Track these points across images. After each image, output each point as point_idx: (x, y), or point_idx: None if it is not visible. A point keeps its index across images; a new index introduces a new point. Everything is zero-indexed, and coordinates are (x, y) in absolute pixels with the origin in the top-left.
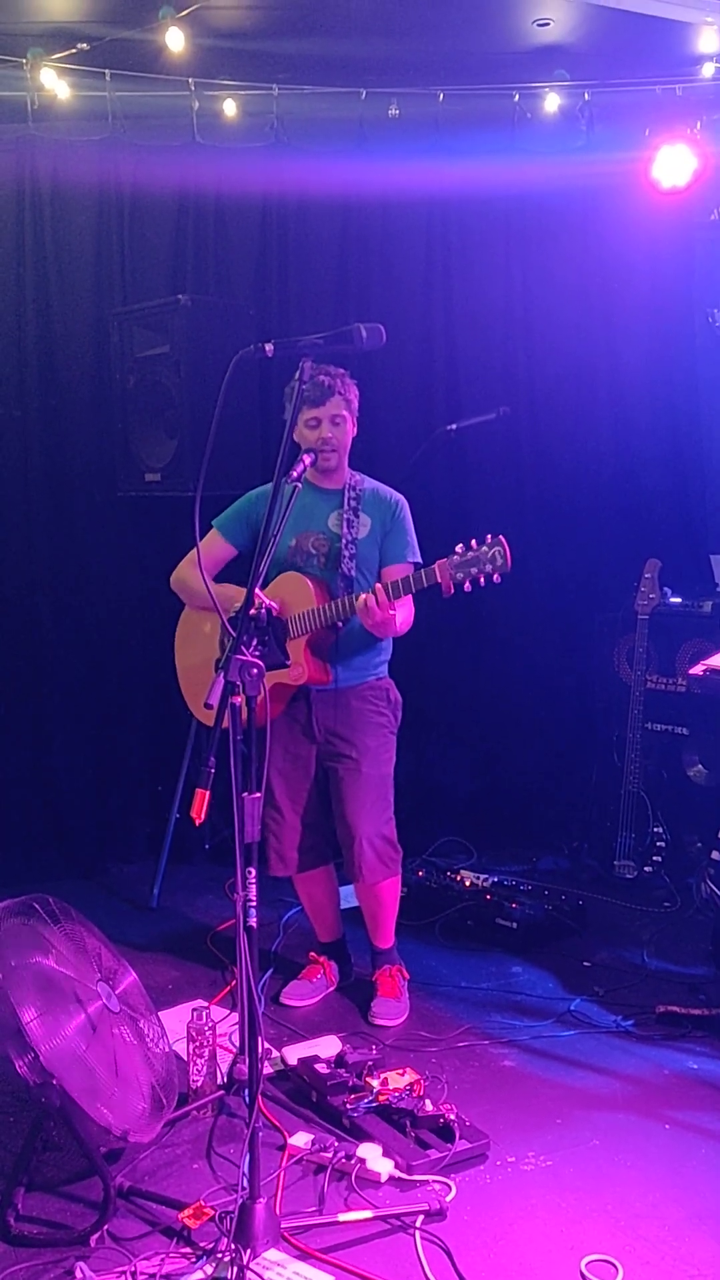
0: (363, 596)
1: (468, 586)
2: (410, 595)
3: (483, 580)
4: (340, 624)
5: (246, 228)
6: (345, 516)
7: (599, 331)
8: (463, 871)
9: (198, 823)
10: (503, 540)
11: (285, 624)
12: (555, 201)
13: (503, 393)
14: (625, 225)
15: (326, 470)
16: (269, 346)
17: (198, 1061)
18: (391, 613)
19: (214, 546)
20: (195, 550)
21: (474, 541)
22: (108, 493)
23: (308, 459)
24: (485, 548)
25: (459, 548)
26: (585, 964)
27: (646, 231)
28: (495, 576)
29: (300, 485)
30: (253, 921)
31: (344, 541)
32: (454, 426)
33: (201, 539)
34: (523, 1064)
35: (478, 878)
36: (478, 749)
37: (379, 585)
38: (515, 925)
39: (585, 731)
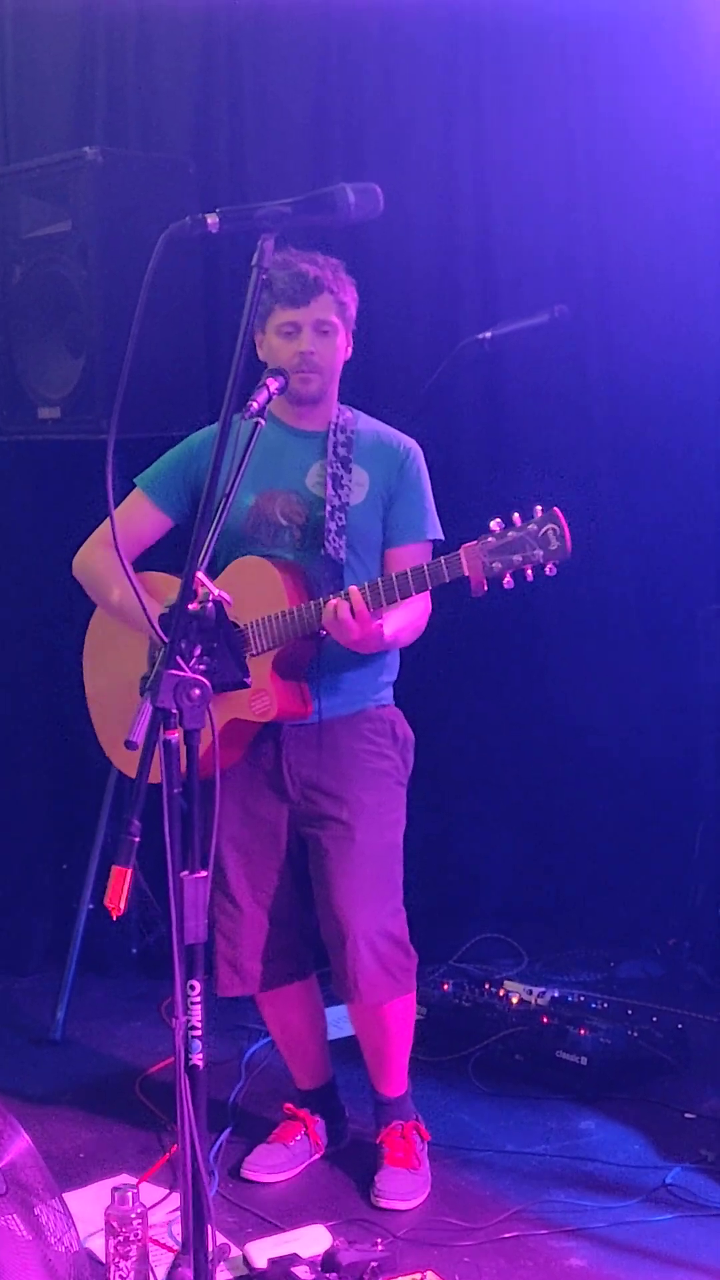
0: (332, 603)
1: (509, 581)
2: (426, 593)
3: (530, 572)
4: (324, 631)
5: (182, 46)
6: (331, 470)
7: (702, 198)
8: (508, 984)
9: (115, 915)
10: (558, 514)
11: (242, 633)
12: (644, 2)
13: (558, 286)
14: None
15: (305, 400)
16: (212, 218)
17: (121, 1265)
18: (378, 624)
19: (137, 515)
20: (109, 521)
21: (516, 516)
22: None
23: (274, 383)
24: (533, 525)
25: (495, 525)
26: (688, 1116)
27: None
28: (549, 566)
29: (263, 421)
30: (197, 1059)
31: (329, 508)
32: (488, 335)
33: (120, 504)
34: (598, 1263)
35: (529, 992)
36: (527, 807)
37: (354, 590)
38: (585, 1061)
39: (685, 780)
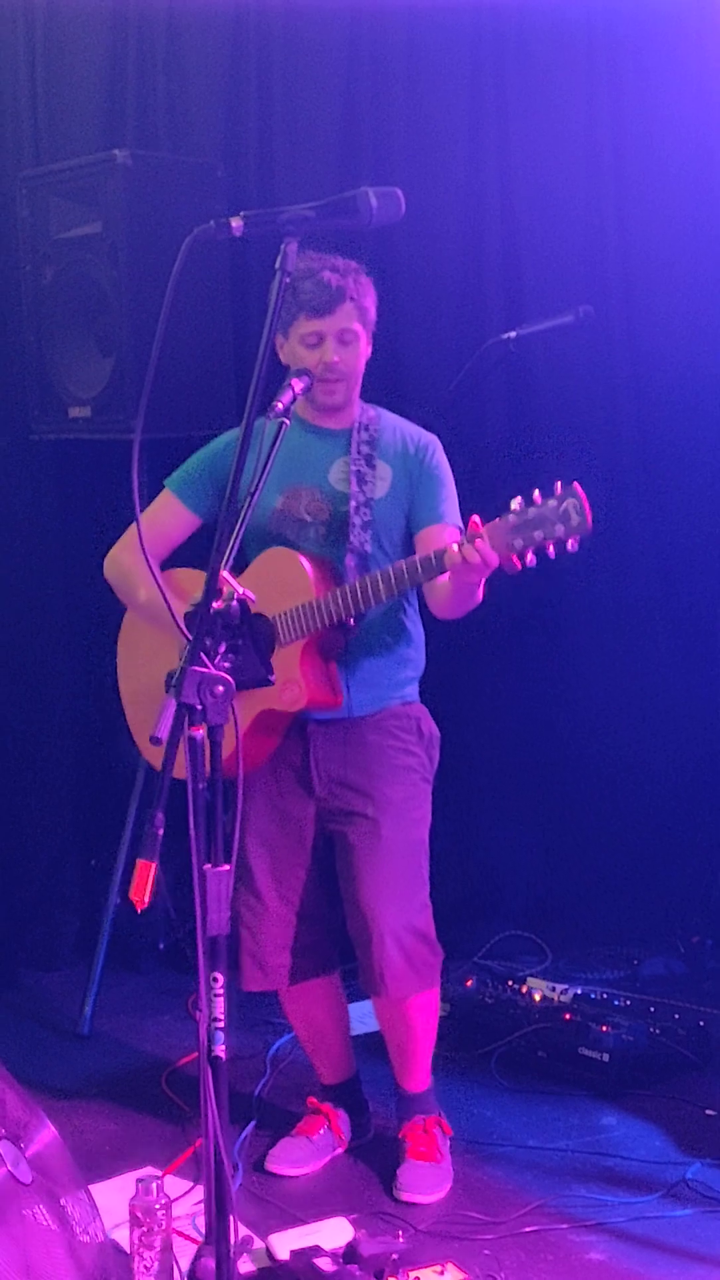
0: (451, 548)
1: (530, 558)
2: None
3: (552, 549)
4: (352, 621)
5: (212, 50)
6: (355, 468)
7: None
8: (531, 980)
9: (140, 907)
10: (577, 489)
11: (271, 624)
12: (670, 3)
13: (583, 286)
14: None
15: (330, 408)
16: (236, 222)
17: (145, 1255)
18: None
19: (166, 514)
20: (136, 524)
21: (536, 494)
22: (17, 434)
23: (299, 384)
24: (553, 501)
25: (515, 503)
26: (709, 1112)
27: None
28: (570, 543)
29: (288, 421)
30: (220, 1051)
31: (353, 504)
32: (513, 335)
33: (149, 504)
34: (618, 1257)
35: (553, 989)
36: (550, 805)
37: (475, 519)
38: (607, 1057)
39: (709, 778)
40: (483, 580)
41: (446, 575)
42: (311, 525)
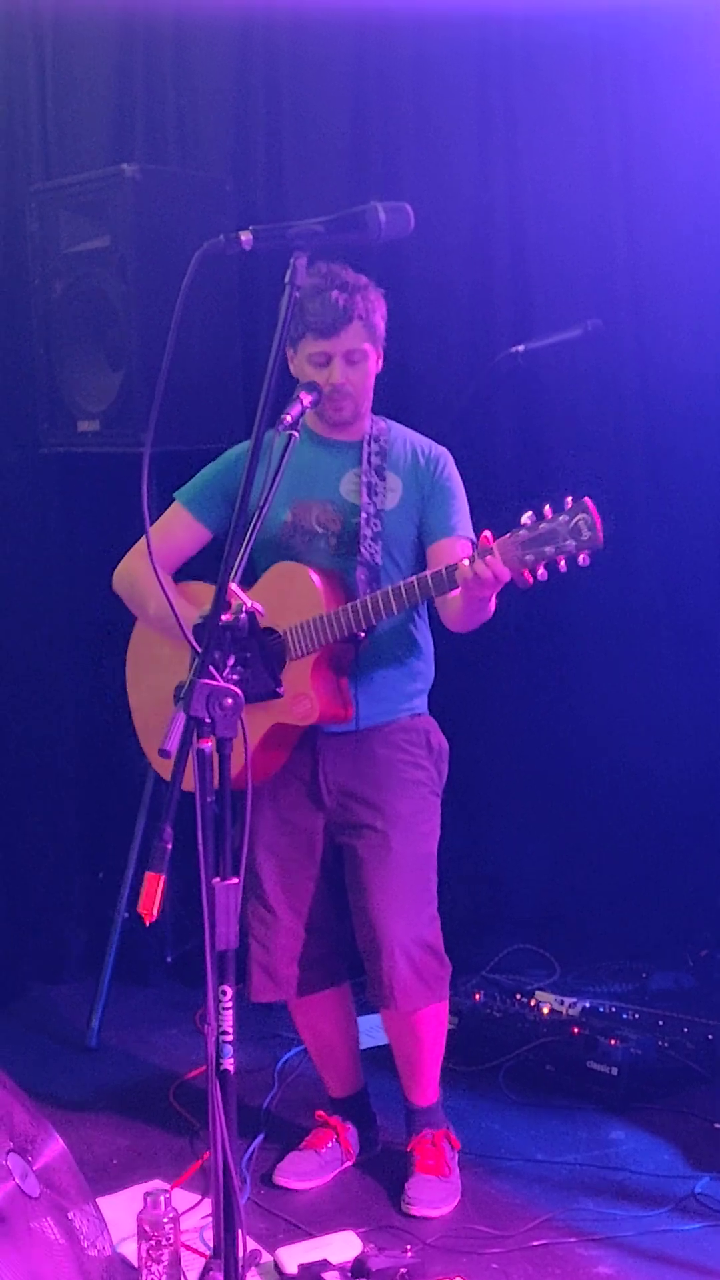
0: (463, 563)
1: (542, 573)
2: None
3: (563, 563)
4: (363, 634)
5: (221, 64)
6: (365, 479)
7: None
8: (539, 994)
9: (148, 920)
10: (588, 504)
11: (281, 638)
12: (675, 15)
13: (592, 300)
14: None
15: (339, 423)
16: (246, 236)
17: (153, 1269)
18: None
19: (176, 527)
20: (146, 537)
21: (547, 509)
22: (25, 448)
23: (307, 398)
24: (564, 516)
25: (526, 518)
26: (718, 1126)
27: None
28: (581, 557)
29: (297, 434)
30: (229, 1064)
31: (364, 514)
32: (522, 349)
33: (159, 518)
34: (626, 1271)
35: (561, 1003)
36: (559, 817)
37: (488, 534)
38: (616, 1071)
39: (718, 790)
40: (493, 595)
41: (458, 590)
42: (322, 536)
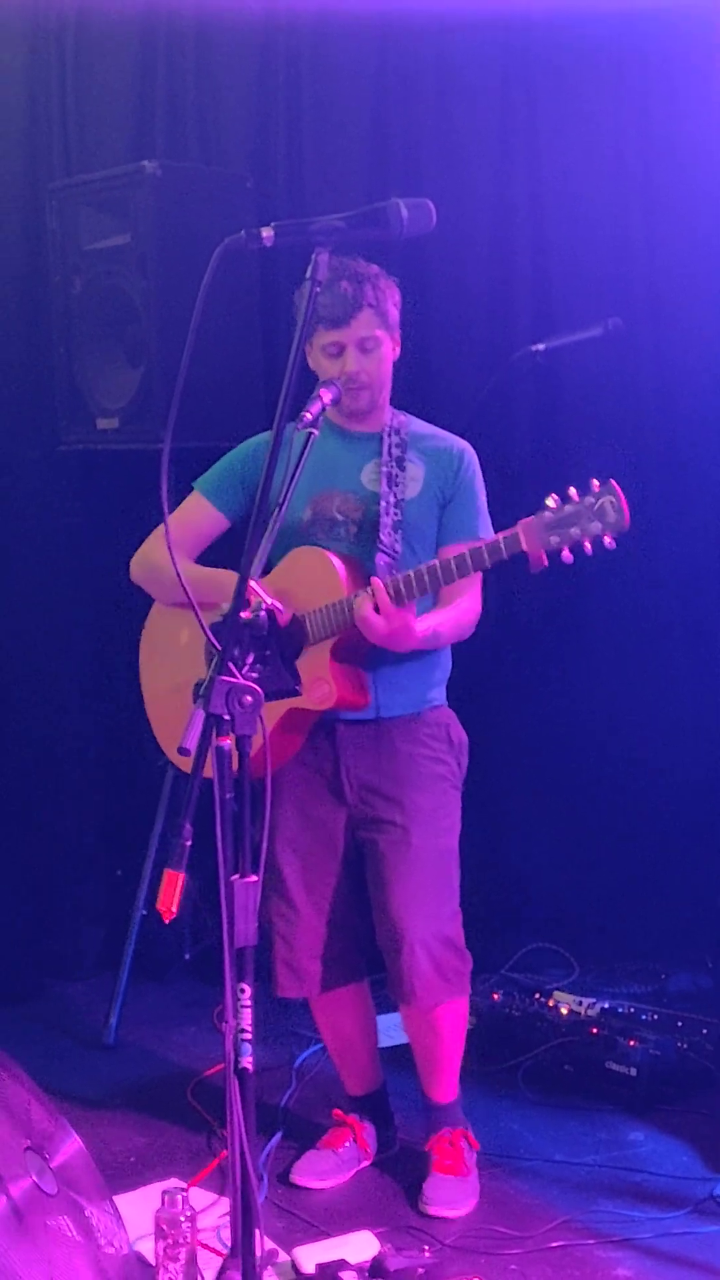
0: (359, 599)
1: (568, 555)
2: (478, 575)
3: (589, 545)
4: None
5: (242, 61)
6: (385, 469)
7: None
8: (558, 994)
9: (167, 918)
10: (614, 486)
11: (301, 628)
12: (696, 17)
13: (612, 298)
14: None
15: (357, 413)
16: (267, 232)
17: (170, 1267)
18: (404, 618)
19: (196, 514)
20: (167, 533)
21: (573, 491)
22: (45, 445)
23: (328, 394)
24: (590, 498)
25: (551, 500)
26: None
27: None
28: (607, 538)
29: (316, 432)
30: (247, 1062)
31: (384, 503)
32: (541, 347)
33: (178, 507)
34: (645, 1273)
35: (580, 1003)
36: (578, 817)
37: (378, 581)
38: (635, 1072)
39: None
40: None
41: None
42: (343, 524)
